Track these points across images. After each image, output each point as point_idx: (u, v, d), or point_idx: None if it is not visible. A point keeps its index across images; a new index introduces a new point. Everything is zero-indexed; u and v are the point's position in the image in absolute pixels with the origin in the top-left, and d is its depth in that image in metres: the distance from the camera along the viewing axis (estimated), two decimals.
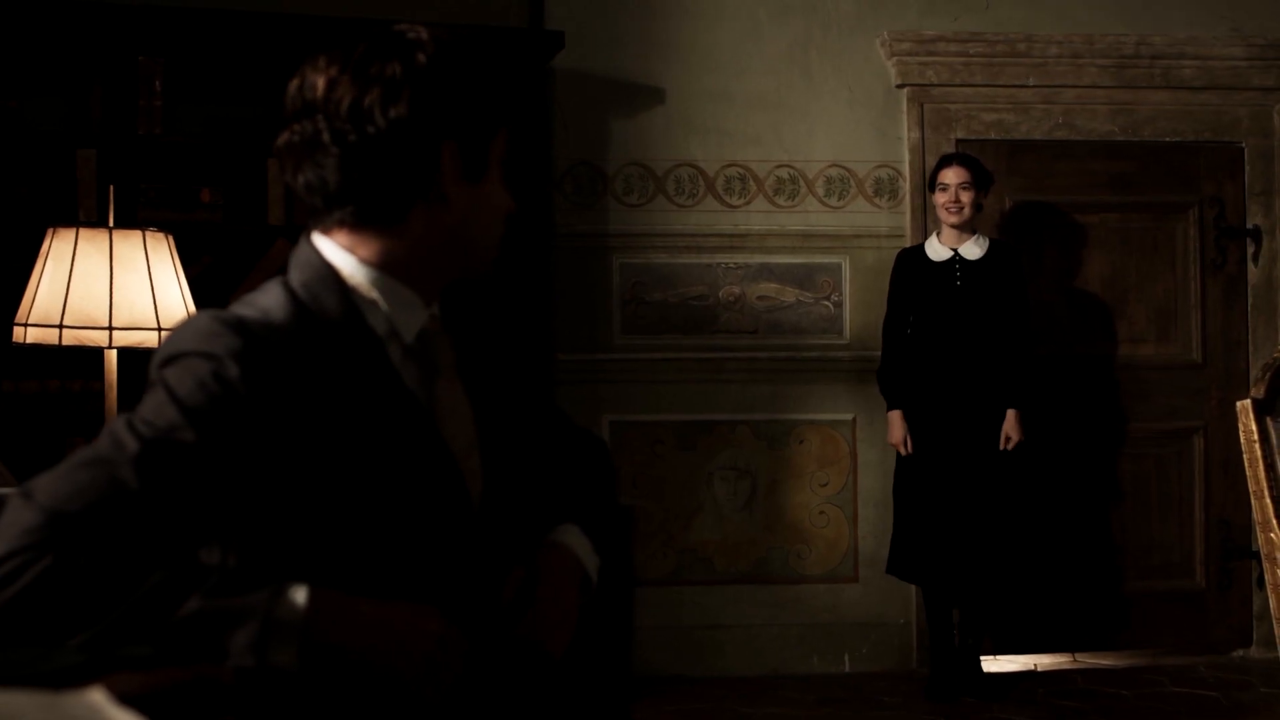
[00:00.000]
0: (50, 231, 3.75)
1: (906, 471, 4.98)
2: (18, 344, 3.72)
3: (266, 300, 1.60)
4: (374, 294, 1.63)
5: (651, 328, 5.38)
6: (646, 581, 5.34)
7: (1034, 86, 5.49)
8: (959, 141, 5.43)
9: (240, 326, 1.53)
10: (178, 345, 1.53)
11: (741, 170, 5.43)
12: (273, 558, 1.52)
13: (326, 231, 1.64)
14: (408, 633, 1.48)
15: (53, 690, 0.93)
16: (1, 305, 4.32)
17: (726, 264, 5.42)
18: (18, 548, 1.39)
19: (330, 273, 1.63)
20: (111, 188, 3.90)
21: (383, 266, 1.63)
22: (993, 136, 5.48)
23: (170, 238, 3.85)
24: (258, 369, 1.51)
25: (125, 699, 0.98)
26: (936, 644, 4.99)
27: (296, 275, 1.63)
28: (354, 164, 1.57)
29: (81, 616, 1.37)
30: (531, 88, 5.01)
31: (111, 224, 3.86)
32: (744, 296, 5.42)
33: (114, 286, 3.69)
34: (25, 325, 3.72)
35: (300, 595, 1.45)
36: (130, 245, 3.73)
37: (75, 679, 1.08)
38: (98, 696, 0.92)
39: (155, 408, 1.49)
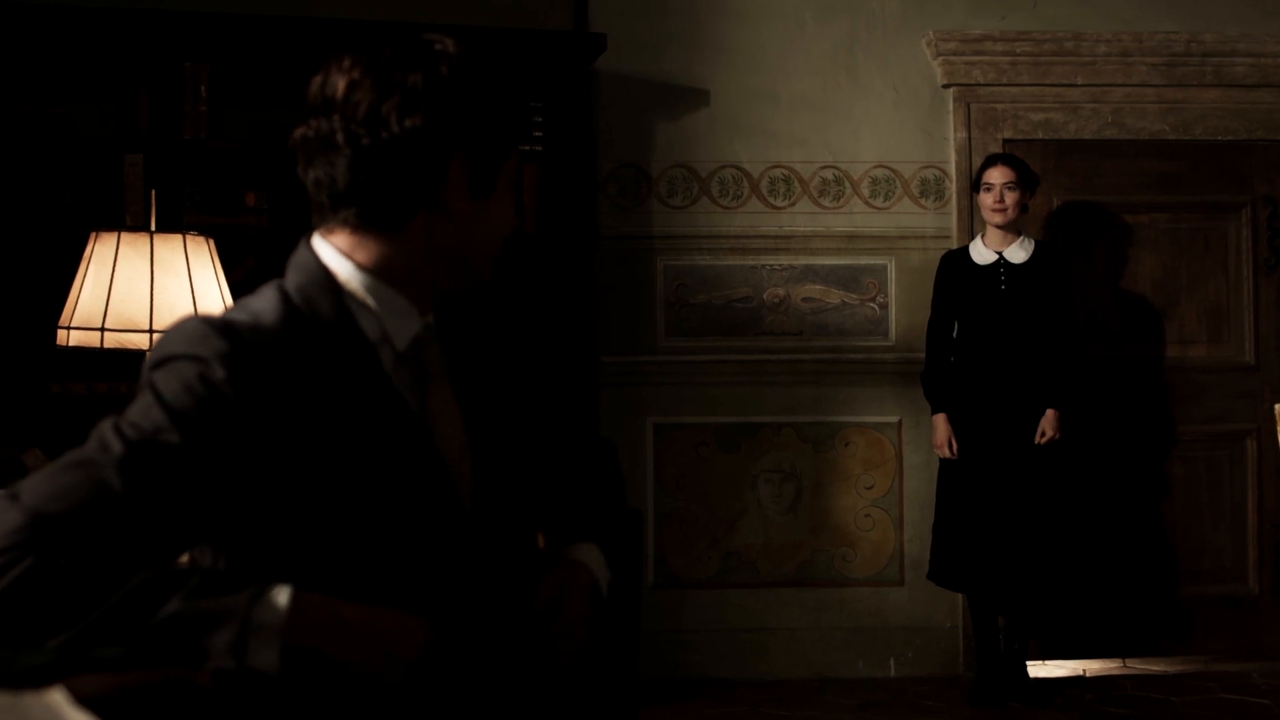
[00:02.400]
0: (93, 235, 3.80)
1: (950, 476, 4.94)
2: (62, 347, 3.77)
3: (259, 303, 1.61)
4: (368, 299, 1.64)
5: (695, 330, 5.37)
6: (690, 584, 5.33)
7: (1082, 85, 5.43)
8: (1006, 142, 5.38)
9: (228, 330, 1.54)
10: (166, 349, 1.54)
11: (786, 171, 5.40)
12: (263, 561, 1.53)
13: (328, 233, 1.65)
14: (391, 639, 1.48)
15: (14, 691, 0.94)
16: (49, 309, 4.37)
17: (771, 266, 5.40)
18: (0, 548, 1.40)
19: (326, 277, 1.64)
20: (153, 192, 3.94)
21: (379, 273, 1.64)
22: (1040, 136, 5.42)
23: (211, 241, 3.88)
24: (244, 372, 1.52)
25: (89, 700, 0.98)
26: (982, 649, 4.94)
27: (292, 278, 1.64)
28: (363, 166, 1.58)
29: (62, 617, 1.38)
30: (574, 90, 5.01)
31: (153, 228, 3.90)
32: (788, 298, 5.40)
33: (155, 290, 3.72)
34: (69, 328, 3.77)
35: (283, 597, 1.45)
36: (171, 249, 3.76)
37: (41, 679, 1.09)
38: (57, 697, 0.93)
39: (142, 410, 1.51)
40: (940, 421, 4.93)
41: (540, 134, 5.03)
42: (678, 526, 5.36)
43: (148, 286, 3.72)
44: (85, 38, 4.64)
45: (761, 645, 5.33)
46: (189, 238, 3.82)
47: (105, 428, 1.50)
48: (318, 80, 1.62)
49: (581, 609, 1.72)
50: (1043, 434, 4.82)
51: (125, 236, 3.76)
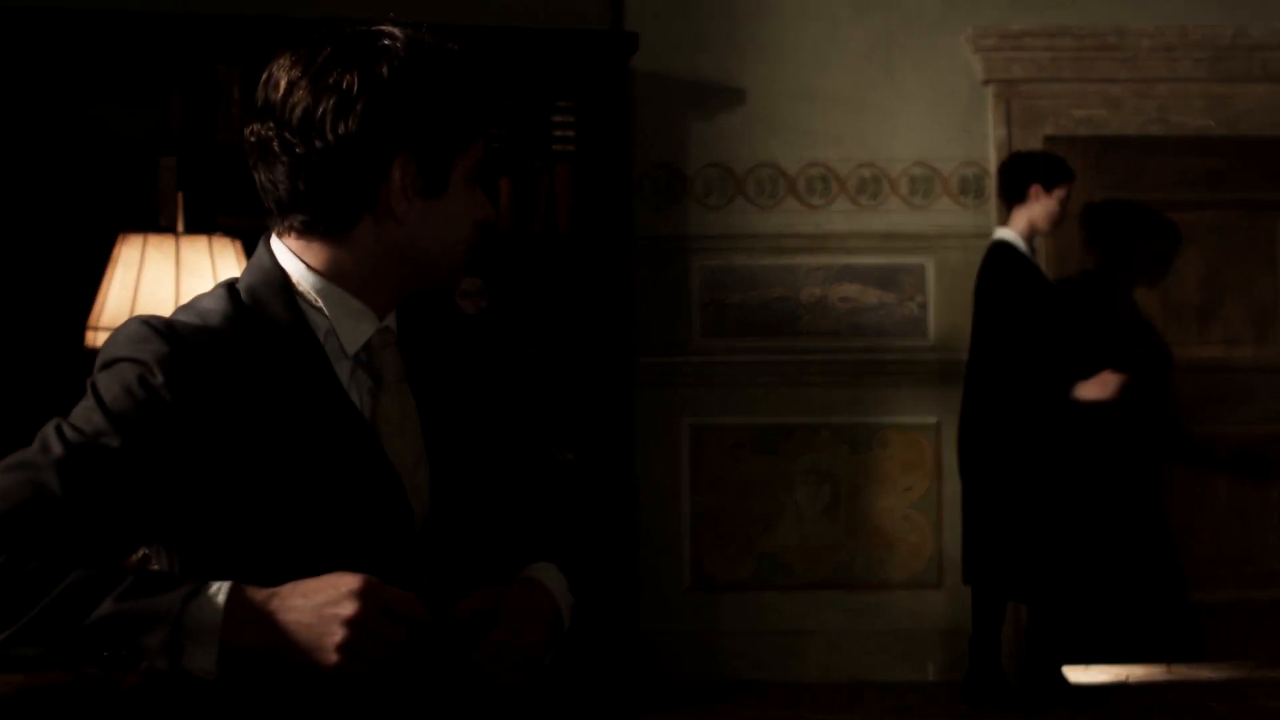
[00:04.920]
0: (121, 237, 3.83)
1: (1019, 481, 4.79)
2: (90, 348, 3.80)
3: (207, 303, 1.60)
4: (319, 302, 1.61)
5: (732, 330, 5.33)
6: (726, 586, 5.30)
7: (1125, 81, 5.34)
8: (1047, 139, 5.30)
9: (169, 332, 1.53)
10: (110, 351, 1.53)
11: (823, 170, 5.35)
12: (211, 561, 1.51)
13: (281, 234, 1.63)
14: (320, 627, 1.42)
15: None
16: (82, 310, 4.41)
17: (808, 265, 5.35)
18: None
19: (279, 277, 1.61)
20: (180, 194, 3.98)
21: (330, 275, 1.61)
22: (1082, 133, 5.34)
23: (239, 243, 3.90)
24: (184, 376, 1.50)
25: None
26: (995, 650, 4.85)
27: (245, 278, 1.62)
28: (300, 174, 1.55)
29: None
30: (609, 90, 5.00)
31: (180, 230, 3.92)
32: (825, 298, 5.35)
33: (180, 292, 3.75)
34: (96, 329, 3.81)
35: (220, 596, 1.42)
36: (196, 251, 3.79)
37: None
38: None
39: (84, 413, 1.50)
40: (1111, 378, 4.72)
41: (574, 134, 5.02)
42: (713, 528, 5.32)
43: (173, 288, 3.75)
44: (119, 42, 4.69)
45: (798, 648, 5.29)
46: (215, 240, 3.84)
47: (48, 430, 1.50)
48: (263, 78, 1.59)
49: (529, 623, 1.62)
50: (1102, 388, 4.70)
51: (151, 239, 3.79)
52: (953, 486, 5.28)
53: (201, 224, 4.56)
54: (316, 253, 1.60)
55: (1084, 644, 5.25)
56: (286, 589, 1.44)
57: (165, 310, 3.74)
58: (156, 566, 1.60)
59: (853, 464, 5.35)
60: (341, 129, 1.53)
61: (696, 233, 5.32)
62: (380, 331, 1.64)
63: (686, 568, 5.31)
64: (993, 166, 5.30)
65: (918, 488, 5.35)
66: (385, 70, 1.55)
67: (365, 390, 1.62)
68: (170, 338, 1.52)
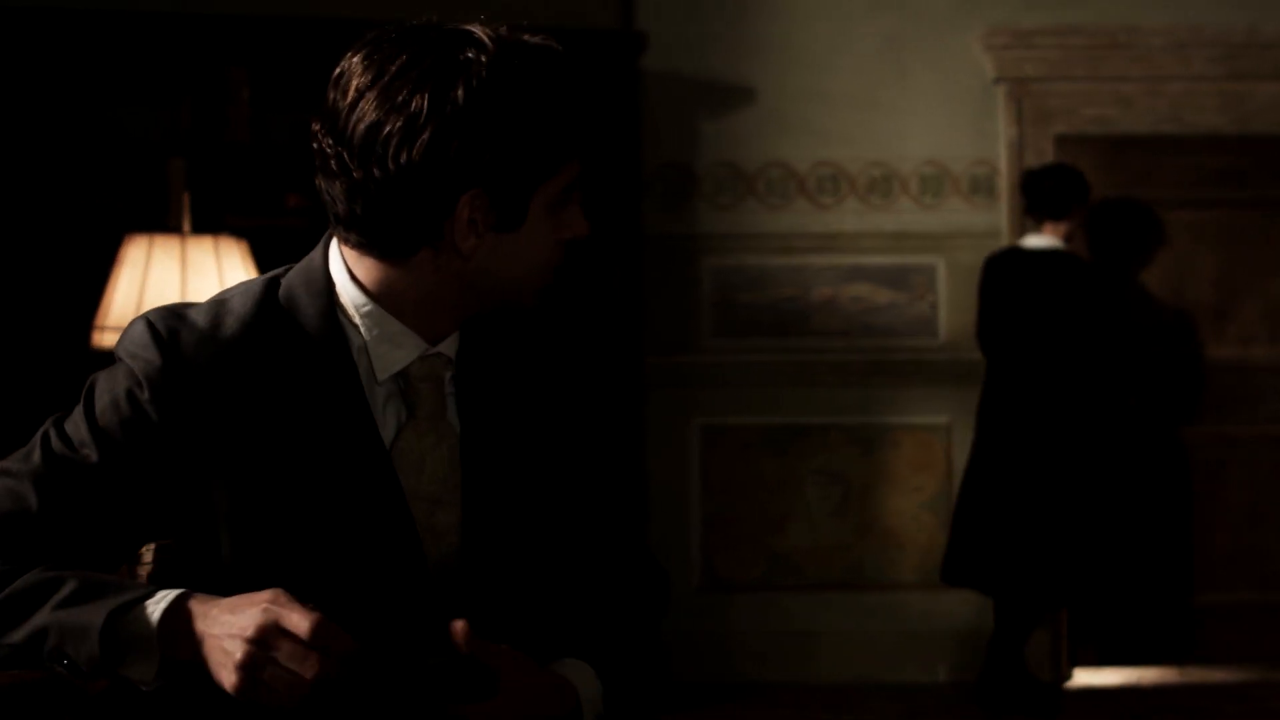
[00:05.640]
0: (127, 238, 3.85)
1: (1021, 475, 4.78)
2: (96, 348, 3.82)
3: (235, 302, 1.49)
4: (357, 319, 1.47)
5: (742, 330, 5.32)
6: (736, 587, 5.29)
7: (1137, 79, 5.30)
8: (1059, 137, 5.28)
9: (168, 341, 1.44)
10: (117, 347, 1.46)
11: (833, 169, 5.34)
12: (216, 575, 1.44)
13: (340, 241, 1.50)
14: (226, 644, 1.32)
15: None
16: (91, 310, 4.42)
17: (818, 265, 5.33)
18: None
19: (323, 282, 1.48)
20: (186, 195, 3.98)
21: (377, 295, 1.47)
22: (1094, 131, 5.31)
23: (245, 243, 3.92)
24: (174, 393, 1.43)
25: None
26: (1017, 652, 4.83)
27: (291, 274, 1.51)
28: (356, 199, 1.41)
29: None
30: (618, 89, 5.00)
31: (186, 230, 3.94)
32: (836, 298, 5.33)
33: (185, 293, 3.76)
34: (102, 329, 3.83)
35: (158, 607, 1.36)
36: (202, 252, 3.80)
37: None
38: None
39: (75, 418, 1.45)
40: None
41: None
42: (724, 529, 5.31)
43: (178, 289, 3.76)
44: (129, 42, 4.72)
45: (808, 649, 5.27)
46: (221, 240, 3.85)
47: (41, 432, 1.46)
48: (334, 74, 1.43)
49: (534, 705, 1.41)
50: None
51: (157, 239, 3.82)
52: None
53: (210, 224, 4.57)
54: (368, 269, 1.47)
55: (1096, 646, 5.23)
56: (226, 601, 1.35)
57: None
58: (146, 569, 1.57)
59: (863, 464, 5.33)
60: (404, 158, 1.38)
61: (706, 232, 5.31)
62: (424, 360, 1.49)
63: (696, 568, 5.30)
64: (1003, 165, 5.28)
65: (928, 488, 5.33)
66: (461, 94, 1.38)
67: (398, 418, 1.49)
68: (167, 349, 1.43)
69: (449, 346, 1.51)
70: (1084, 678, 5.02)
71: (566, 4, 5.21)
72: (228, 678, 1.32)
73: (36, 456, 1.44)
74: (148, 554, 1.53)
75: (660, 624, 1.64)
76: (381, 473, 1.45)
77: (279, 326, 1.47)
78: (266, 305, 1.48)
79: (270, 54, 4.78)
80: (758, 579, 5.31)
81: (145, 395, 1.42)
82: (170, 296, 3.73)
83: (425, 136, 1.38)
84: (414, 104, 1.38)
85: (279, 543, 1.43)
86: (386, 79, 1.39)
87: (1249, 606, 5.31)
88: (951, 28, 5.30)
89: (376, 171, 1.39)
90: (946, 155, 5.32)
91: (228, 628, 1.33)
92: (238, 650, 1.31)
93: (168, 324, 1.45)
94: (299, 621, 1.31)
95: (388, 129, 1.38)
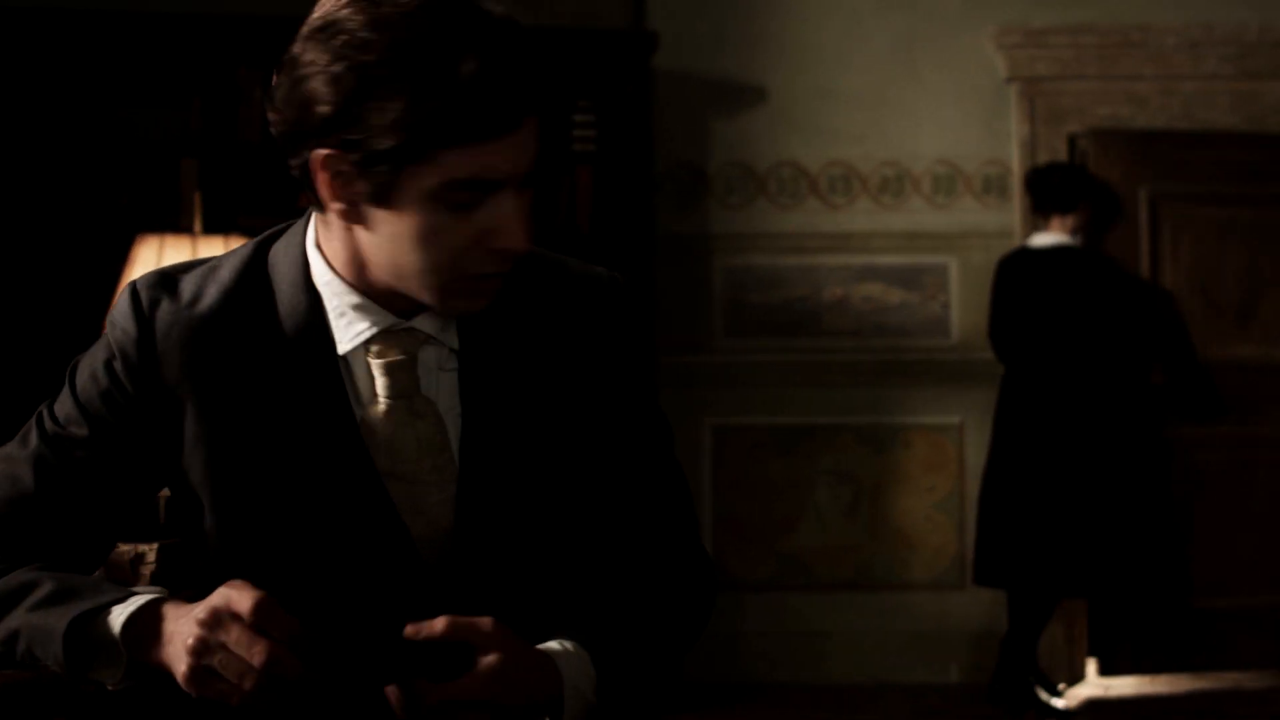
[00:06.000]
0: (138, 238, 3.86)
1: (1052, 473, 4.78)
2: None
3: (223, 271, 1.46)
4: (321, 288, 1.44)
5: (753, 330, 5.32)
6: (747, 587, 5.28)
7: (1150, 78, 5.29)
8: (1071, 136, 5.26)
9: (149, 312, 1.43)
10: (109, 316, 1.46)
11: (845, 169, 5.33)
12: (215, 557, 1.45)
13: None
14: (181, 641, 1.30)
15: None
16: (103, 310, 4.44)
17: (829, 265, 5.33)
18: None
19: (301, 249, 1.46)
20: (197, 195, 3.99)
21: (330, 261, 1.43)
22: (1107, 130, 5.29)
23: None
24: (149, 365, 1.42)
25: None
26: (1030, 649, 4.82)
27: (281, 240, 1.49)
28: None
29: None
30: (629, 89, 4.99)
31: (198, 230, 3.94)
32: (847, 298, 5.32)
33: None
34: None
35: (125, 610, 1.34)
36: (212, 252, 3.79)
37: None
38: None
39: (63, 397, 1.47)
40: None
41: (594, 133, 5.01)
42: (734, 529, 5.30)
43: None
44: (141, 43, 4.72)
45: (819, 649, 5.26)
46: (232, 240, 3.86)
47: (38, 413, 1.47)
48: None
49: (506, 686, 1.30)
50: None
51: (168, 240, 3.82)
52: (976, 487, 5.23)
53: (222, 225, 4.59)
54: (322, 233, 1.44)
55: (1112, 648, 5.21)
56: (196, 604, 1.31)
57: None
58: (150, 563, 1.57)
59: (875, 464, 5.32)
60: (275, 111, 1.39)
61: (718, 232, 5.31)
62: (391, 334, 1.44)
63: None
64: (1016, 165, 5.27)
65: (940, 488, 5.32)
66: (332, 46, 1.34)
67: (371, 393, 1.44)
68: (144, 322, 1.42)
69: (428, 323, 1.44)
70: (1098, 680, 5.00)
71: (578, 4, 5.21)
72: (178, 667, 1.29)
73: (33, 438, 1.46)
74: (151, 554, 1.53)
75: (694, 622, 1.52)
76: (351, 448, 1.41)
77: (258, 296, 1.44)
78: (250, 273, 1.46)
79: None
80: (768, 579, 5.30)
81: (120, 367, 1.43)
82: None
83: (285, 88, 1.36)
84: (296, 53, 1.36)
85: (257, 520, 1.42)
86: (310, 31, 1.37)
87: (1270, 611, 5.25)
88: (963, 27, 5.29)
89: (273, 117, 1.39)
90: (959, 155, 5.31)
91: (187, 620, 1.31)
92: (190, 635, 1.28)
93: (151, 294, 1.44)
94: (240, 600, 1.27)
95: (276, 79, 1.39)
